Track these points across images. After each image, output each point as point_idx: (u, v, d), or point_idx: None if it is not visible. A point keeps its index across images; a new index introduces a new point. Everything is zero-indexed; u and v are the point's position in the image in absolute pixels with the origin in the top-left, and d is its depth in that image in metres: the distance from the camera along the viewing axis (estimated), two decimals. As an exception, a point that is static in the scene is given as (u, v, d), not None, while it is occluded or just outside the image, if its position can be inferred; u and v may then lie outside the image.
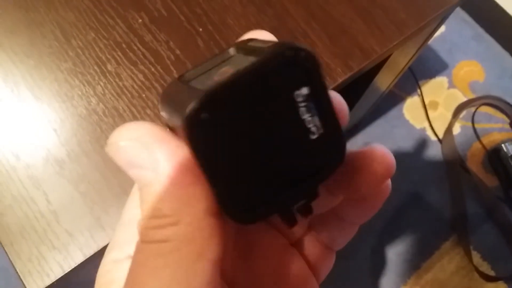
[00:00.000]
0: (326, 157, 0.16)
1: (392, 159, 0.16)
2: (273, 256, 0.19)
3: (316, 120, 0.15)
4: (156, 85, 0.42)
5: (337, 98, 0.16)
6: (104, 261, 0.16)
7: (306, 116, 0.15)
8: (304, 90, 0.15)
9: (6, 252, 0.37)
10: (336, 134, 0.16)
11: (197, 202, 0.13)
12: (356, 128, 1.14)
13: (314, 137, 0.15)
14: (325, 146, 0.16)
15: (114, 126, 0.41)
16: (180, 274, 0.13)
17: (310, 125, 0.15)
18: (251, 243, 0.19)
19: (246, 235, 0.19)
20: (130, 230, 0.17)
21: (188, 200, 0.13)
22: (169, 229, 0.13)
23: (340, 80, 0.43)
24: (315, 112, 0.15)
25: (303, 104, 0.15)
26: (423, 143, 1.15)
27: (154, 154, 0.13)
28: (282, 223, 0.17)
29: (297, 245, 0.20)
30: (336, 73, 0.43)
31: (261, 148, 0.15)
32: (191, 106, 0.14)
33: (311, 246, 0.20)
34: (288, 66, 0.15)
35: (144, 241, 0.14)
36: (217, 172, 0.14)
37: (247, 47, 0.17)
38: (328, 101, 0.15)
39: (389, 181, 0.18)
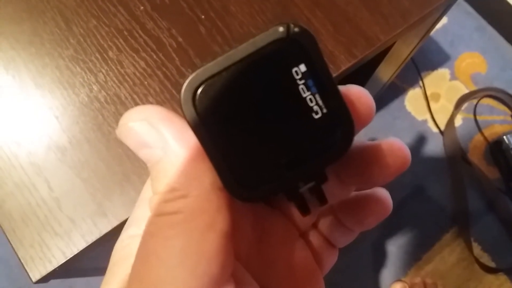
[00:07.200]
0: (333, 139, 0.15)
1: (408, 154, 0.17)
2: (285, 245, 0.20)
3: (318, 99, 0.15)
4: (158, 72, 0.42)
5: (361, 92, 0.16)
6: (122, 237, 0.17)
7: (307, 94, 0.15)
8: (302, 67, 0.15)
9: (8, 239, 0.37)
10: (342, 116, 0.15)
11: (204, 176, 0.14)
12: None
13: (317, 116, 0.15)
14: (331, 127, 0.15)
15: (115, 113, 0.41)
16: (191, 243, 0.13)
17: (312, 104, 0.15)
18: (267, 229, 0.19)
19: (263, 222, 0.19)
20: (148, 207, 0.17)
21: (195, 174, 0.14)
22: (179, 201, 0.14)
23: (343, 68, 0.42)
24: (315, 90, 0.15)
25: (302, 82, 0.15)
26: (424, 135, 1.15)
27: (162, 134, 0.14)
28: (297, 210, 0.17)
29: (305, 237, 0.21)
30: (340, 60, 0.43)
31: (261, 126, 0.15)
32: (185, 82, 0.14)
33: (316, 240, 0.21)
34: (282, 43, 0.14)
35: (156, 214, 0.14)
36: (215, 148, 0.14)
37: None
38: (329, 79, 0.15)
39: (390, 204, 0.19)
